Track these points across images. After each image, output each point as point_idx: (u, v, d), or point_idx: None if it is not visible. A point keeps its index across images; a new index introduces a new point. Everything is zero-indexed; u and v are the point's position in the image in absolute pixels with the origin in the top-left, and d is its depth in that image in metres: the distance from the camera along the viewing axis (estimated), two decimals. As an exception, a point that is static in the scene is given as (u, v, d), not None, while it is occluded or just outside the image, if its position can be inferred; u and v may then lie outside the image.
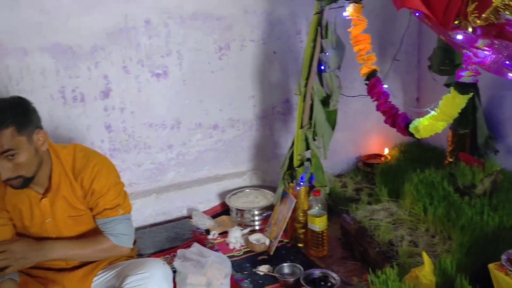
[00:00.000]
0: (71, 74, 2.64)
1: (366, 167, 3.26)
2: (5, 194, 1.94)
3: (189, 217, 2.97)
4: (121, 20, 2.65)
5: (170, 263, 2.46)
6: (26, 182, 1.84)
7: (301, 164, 2.59)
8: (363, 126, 3.32)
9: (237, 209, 2.86)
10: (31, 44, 2.53)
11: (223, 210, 3.05)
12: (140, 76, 2.78)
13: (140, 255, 2.53)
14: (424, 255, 1.93)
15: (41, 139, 1.87)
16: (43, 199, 1.95)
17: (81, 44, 2.61)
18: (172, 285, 2.10)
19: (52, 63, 2.58)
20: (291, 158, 2.63)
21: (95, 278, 2.09)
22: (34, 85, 2.57)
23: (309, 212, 2.55)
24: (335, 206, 2.88)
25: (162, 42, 2.77)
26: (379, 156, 3.36)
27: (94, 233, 2.05)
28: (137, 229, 2.84)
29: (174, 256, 2.50)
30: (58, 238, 2.02)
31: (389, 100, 2.20)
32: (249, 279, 2.42)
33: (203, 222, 2.86)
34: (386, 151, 3.36)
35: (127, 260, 2.20)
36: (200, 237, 2.73)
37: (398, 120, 2.11)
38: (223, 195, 3.06)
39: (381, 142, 3.38)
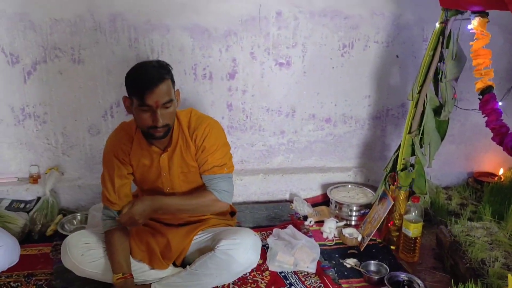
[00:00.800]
0: (204, 53, 2.89)
1: (476, 184, 3.17)
2: (130, 150, 2.25)
3: (290, 201, 3.12)
4: (255, 9, 2.84)
5: (264, 239, 2.64)
6: (167, 132, 2.14)
7: (404, 168, 2.62)
8: (480, 142, 3.22)
9: (337, 202, 2.96)
10: (174, 23, 2.81)
11: (323, 201, 3.17)
12: (265, 63, 2.96)
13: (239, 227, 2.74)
14: (510, 277, 1.90)
15: (178, 97, 2.19)
16: (163, 154, 2.24)
17: (217, 27, 2.85)
18: (259, 255, 2.28)
19: (190, 41, 2.85)
20: (395, 161, 2.67)
21: (196, 237, 2.34)
22: (172, 59, 2.85)
23: (405, 216, 2.57)
24: (435, 216, 2.87)
25: (289, 34, 2.92)
26: (492, 175, 3.25)
27: (199, 190, 2.30)
28: (241, 203, 3.08)
29: (270, 234, 2.68)
30: (170, 191, 2.30)
31: (501, 118, 2.16)
32: (335, 268, 2.51)
33: (302, 208, 3.00)
34: (501, 171, 3.24)
35: (225, 227, 2.44)
36: (297, 222, 2.88)
37: (506, 139, 2.06)
38: (325, 186, 3.17)
39: (497, 161, 3.25)
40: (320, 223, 2.91)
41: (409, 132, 2.57)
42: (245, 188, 3.09)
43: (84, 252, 2.20)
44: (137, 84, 2.05)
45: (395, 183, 2.66)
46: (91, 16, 2.74)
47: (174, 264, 2.34)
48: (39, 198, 2.93)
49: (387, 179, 2.73)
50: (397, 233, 2.67)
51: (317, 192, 3.21)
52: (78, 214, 2.88)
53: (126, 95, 2.13)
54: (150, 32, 2.81)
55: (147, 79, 2.03)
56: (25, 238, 2.69)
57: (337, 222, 2.86)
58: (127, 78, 2.10)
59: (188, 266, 2.26)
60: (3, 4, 2.66)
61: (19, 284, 2.36)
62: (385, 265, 2.48)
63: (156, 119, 2.05)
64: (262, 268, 2.47)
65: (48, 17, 2.71)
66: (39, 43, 2.75)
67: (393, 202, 2.63)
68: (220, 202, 2.26)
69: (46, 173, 2.96)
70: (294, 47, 2.95)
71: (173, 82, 2.13)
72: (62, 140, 2.97)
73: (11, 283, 2.36)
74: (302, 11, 2.88)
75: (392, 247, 2.70)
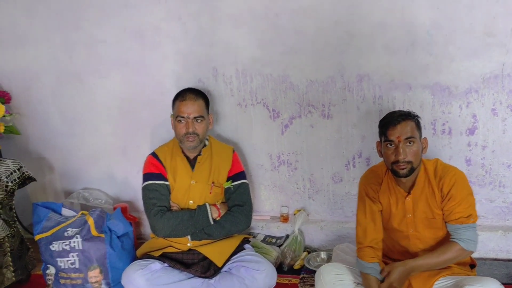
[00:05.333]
0: (444, 109, 3.02)
1: None
2: (379, 189, 2.50)
3: (533, 261, 3.00)
4: (498, 67, 2.89)
5: (505, 296, 2.59)
6: (410, 170, 2.34)
7: None
8: None
9: None
10: (416, 82, 3.01)
11: None
12: (507, 120, 2.96)
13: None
14: None
15: (425, 144, 2.46)
16: (407, 197, 2.43)
17: (457, 85, 2.97)
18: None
19: (430, 98, 3.02)
20: None
21: (437, 282, 2.43)
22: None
23: None
24: None
25: (538, 90, 2.90)
26: None
27: (441, 238, 2.44)
28: (478, 259, 3.03)
29: (511, 292, 2.63)
30: (413, 233, 2.47)
31: None
32: None
33: (548, 270, 2.86)
34: None
35: (467, 275, 2.48)
36: (543, 283, 2.76)
37: None
38: None
39: None
40: None
41: None
42: (483, 244, 3.06)
43: (335, 282, 2.47)
44: (383, 122, 2.39)
45: None
46: (341, 77, 3.11)
47: (414, 307, 2.46)
48: (287, 236, 3.32)
49: None
50: None
51: (561, 253, 3.03)
52: (323, 253, 3.18)
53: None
54: (393, 90, 3.06)
55: (391, 118, 2.36)
56: (277, 268, 3.03)
57: None
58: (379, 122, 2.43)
59: (431, 308, 2.36)
60: (270, 69, 3.20)
61: (274, 307, 2.72)
62: None
63: (398, 153, 2.29)
64: (505, 324, 2.44)
65: (305, 78, 3.16)
66: (296, 100, 3.22)
67: None
68: (465, 251, 2.36)
69: (294, 214, 3.36)
70: (539, 102, 2.91)
71: (418, 126, 2.37)
72: (309, 186, 3.36)
73: (268, 305, 2.74)
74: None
75: None
